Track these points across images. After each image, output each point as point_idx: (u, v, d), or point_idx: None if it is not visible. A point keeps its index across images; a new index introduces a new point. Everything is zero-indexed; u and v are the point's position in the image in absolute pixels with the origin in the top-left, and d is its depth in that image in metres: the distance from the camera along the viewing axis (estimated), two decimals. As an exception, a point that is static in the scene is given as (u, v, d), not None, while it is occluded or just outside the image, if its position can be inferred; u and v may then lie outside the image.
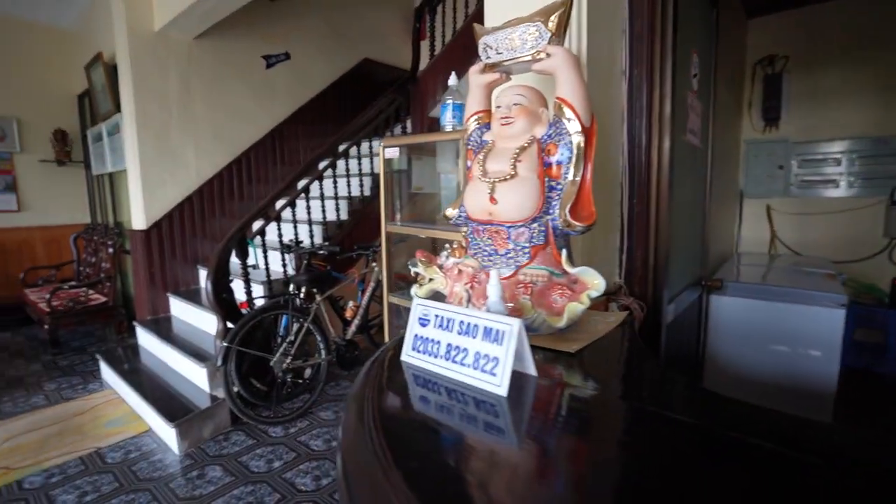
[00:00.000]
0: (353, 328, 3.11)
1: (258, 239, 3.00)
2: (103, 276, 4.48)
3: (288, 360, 2.66)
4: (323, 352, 2.90)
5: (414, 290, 1.06)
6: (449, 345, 0.83)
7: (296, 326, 2.79)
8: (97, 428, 2.75)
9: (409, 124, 4.10)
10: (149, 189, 3.65)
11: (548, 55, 0.96)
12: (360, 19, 5.20)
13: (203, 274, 3.94)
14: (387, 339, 2.19)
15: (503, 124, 0.98)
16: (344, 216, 3.56)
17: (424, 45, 4.19)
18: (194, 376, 2.89)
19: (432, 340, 0.86)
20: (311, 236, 3.29)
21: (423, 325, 0.88)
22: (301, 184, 3.21)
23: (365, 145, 3.80)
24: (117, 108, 4.43)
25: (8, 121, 5.11)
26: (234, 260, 2.83)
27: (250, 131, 4.27)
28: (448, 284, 1.03)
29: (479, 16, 3.88)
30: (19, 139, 5.19)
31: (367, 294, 3.21)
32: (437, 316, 0.87)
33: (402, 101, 4.00)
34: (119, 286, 4.70)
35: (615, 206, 1.50)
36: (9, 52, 5.10)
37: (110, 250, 4.39)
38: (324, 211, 3.39)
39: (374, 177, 3.76)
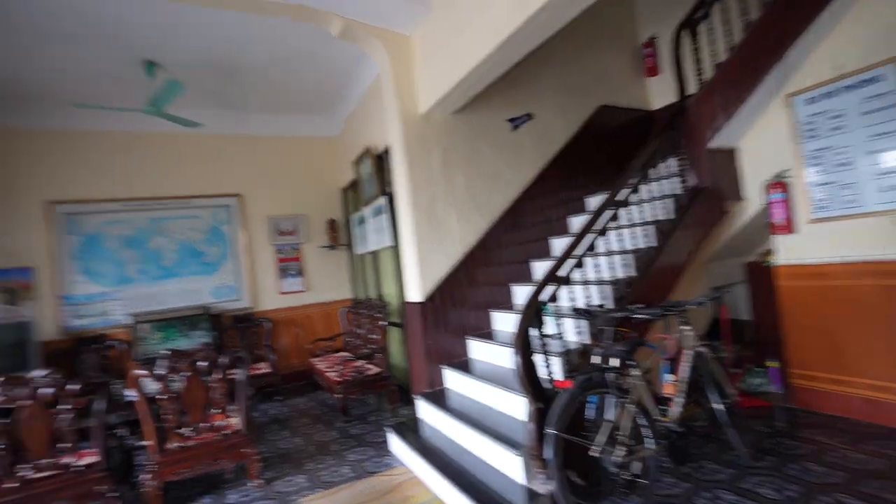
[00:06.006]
0: (675, 407, 2.51)
1: (551, 306, 2.71)
2: (375, 348, 4.80)
3: (622, 452, 2.18)
4: (650, 441, 2.35)
5: None
6: None
7: (614, 408, 2.32)
8: (410, 513, 2.65)
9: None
10: (424, 262, 3.77)
11: None
12: (592, 67, 4.97)
13: (473, 344, 3.85)
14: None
15: None
16: (632, 272, 3.09)
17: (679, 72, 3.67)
18: (501, 463, 2.62)
19: None
20: (603, 299, 2.88)
21: None
22: (587, 239, 2.88)
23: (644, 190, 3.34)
24: (382, 192, 4.91)
25: (300, 217, 6.19)
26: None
27: (504, 194, 4.23)
28: None
29: (767, 21, 3.22)
30: (306, 231, 6.22)
31: (686, 364, 2.61)
32: None
33: (675, 135, 3.49)
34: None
35: None
36: (298, 163, 6.27)
37: (382, 322, 4.70)
38: (613, 268, 2.98)
39: (658, 224, 3.24)
